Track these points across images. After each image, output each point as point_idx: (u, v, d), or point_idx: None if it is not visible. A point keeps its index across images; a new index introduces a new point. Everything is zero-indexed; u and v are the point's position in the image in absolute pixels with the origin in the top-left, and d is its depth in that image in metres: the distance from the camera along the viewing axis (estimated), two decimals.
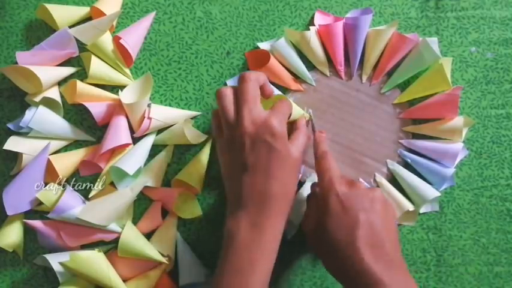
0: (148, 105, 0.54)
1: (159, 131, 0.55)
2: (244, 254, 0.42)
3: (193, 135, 0.54)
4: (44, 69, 0.52)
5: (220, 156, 0.48)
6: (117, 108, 0.53)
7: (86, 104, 0.52)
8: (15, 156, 0.53)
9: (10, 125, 0.53)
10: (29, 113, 0.52)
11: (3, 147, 0.51)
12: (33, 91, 0.53)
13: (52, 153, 0.53)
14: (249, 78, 0.46)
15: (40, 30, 0.56)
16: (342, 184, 0.46)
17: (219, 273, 0.43)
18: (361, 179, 0.56)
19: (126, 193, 0.52)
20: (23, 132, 0.53)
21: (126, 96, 0.53)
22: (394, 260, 0.43)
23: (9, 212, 0.50)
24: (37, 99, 0.52)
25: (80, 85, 0.53)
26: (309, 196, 0.50)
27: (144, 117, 0.53)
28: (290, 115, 0.49)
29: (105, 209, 0.51)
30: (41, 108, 0.52)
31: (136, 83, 0.55)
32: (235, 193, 0.45)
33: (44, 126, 0.52)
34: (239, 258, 0.42)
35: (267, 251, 0.43)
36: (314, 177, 0.55)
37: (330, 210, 0.44)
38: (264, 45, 0.57)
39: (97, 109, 0.53)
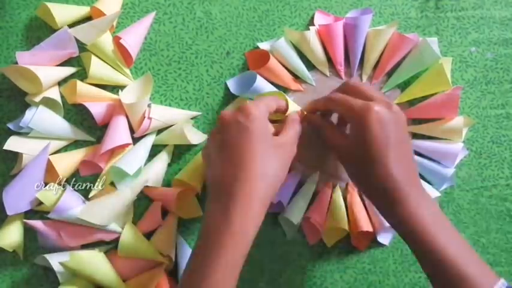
0: (149, 106, 0.54)
1: (159, 131, 0.55)
2: (210, 239, 0.41)
3: (193, 135, 0.54)
4: (44, 69, 0.52)
5: (204, 156, 0.48)
6: (117, 108, 0.53)
7: (86, 103, 0.52)
8: (15, 156, 0.53)
9: (10, 125, 0.53)
10: (29, 113, 0.52)
11: (3, 147, 0.51)
12: (34, 91, 0.53)
13: (52, 153, 0.53)
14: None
15: (40, 30, 0.56)
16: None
17: (187, 264, 0.43)
18: None
19: (126, 193, 0.52)
20: (23, 132, 0.53)
21: (126, 96, 0.53)
22: (416, 175, 0.46)
23: (9, 212, 0.50)
24: (37, 99, 0.52)
25: (80, 85, 0.53)
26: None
27: (144, 117, 0.53)
28: (278, 110, 0.49)
29: (105, 209, 0.51)
30: (41, 108, 0.52)
31: (136, 83, 0.55)
32: (213, 181, 0.44)
33: (44, 126, 0.52)
34: (205, 244, 0.42)
35: (235, 234, 0.41)
36: (314, 177, 0.55)
37: (370, 127, 0.44)
38: (264, 45, 0.57)
39: (97, 109, 0.53)
